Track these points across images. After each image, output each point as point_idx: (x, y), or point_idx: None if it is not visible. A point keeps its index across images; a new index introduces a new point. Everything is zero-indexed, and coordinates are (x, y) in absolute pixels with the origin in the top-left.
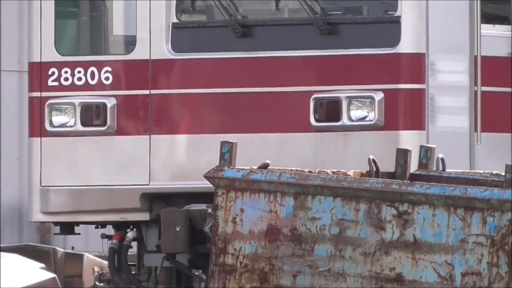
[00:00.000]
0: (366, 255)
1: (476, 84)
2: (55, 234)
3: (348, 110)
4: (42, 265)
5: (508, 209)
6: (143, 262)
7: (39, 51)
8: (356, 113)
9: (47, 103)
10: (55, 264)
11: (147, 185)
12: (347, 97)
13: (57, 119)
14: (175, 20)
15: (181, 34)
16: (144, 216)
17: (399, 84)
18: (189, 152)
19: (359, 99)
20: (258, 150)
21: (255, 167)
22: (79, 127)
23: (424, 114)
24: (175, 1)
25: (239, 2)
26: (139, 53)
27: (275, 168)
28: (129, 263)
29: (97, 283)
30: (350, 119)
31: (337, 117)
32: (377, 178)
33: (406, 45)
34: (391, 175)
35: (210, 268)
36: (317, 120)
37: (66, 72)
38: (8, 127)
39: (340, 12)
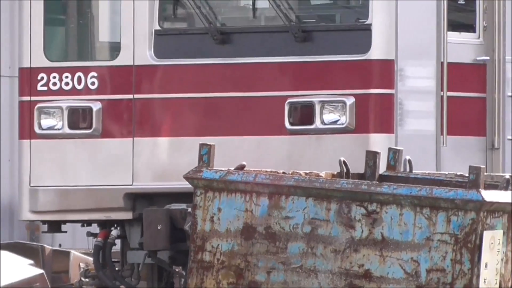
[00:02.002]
0: (336, 253)
1: (442, 89)
2: (43, 232)
3: (321, 114)
4: (31, 261)
5: (471, 208)
6: (126, 258)
7: (29, 57)
8: (329, 117)
9: (36, 106)
10: (43, 260)
11: (131, 185)
12: (320, 101)
13: (46, 122)
14: (157, 27)
15: (163, 41)
16: (128, 215)
17: (370, 89)
18: (170, 154)
19: (331, 104)
20: (235, 151)
21: (232, 168)
22: (67, 130)
23: (393, 118)
24: (157, 9)
25: (218, 10)
26: (123, 59)
27: (251, 169)
28: (113, 259)
29: (82, 278)
30: (322, 122)
31: (311, 121)
32: (347, 179)
33: (376, 51)
34: (361, 176)
35: (188, 264)
36: (291, 124)
37: (54, 77)
38: (0, 130)
39: (314, 20)
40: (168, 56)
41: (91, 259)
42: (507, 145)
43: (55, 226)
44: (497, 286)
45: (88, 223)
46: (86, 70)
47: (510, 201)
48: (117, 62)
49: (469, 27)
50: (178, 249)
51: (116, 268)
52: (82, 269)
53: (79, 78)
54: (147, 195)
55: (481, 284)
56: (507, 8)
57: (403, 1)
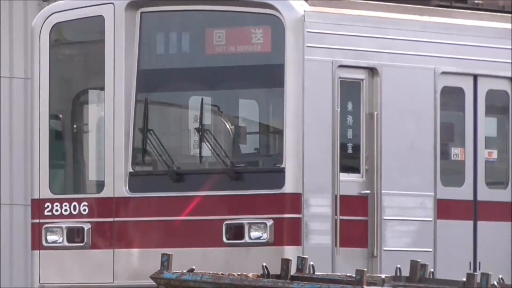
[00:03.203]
0: None
1: (336, 214)
2: None
3: (249, 232)
4: None
5: None
6: None
7: (38, 191)
8: (254, 234)
9: (43, 227)
10: None
11: (112, 283)
12: (248, 223)
13: (50, 237)
14: (131, 170)
15: (135, 180)
16: None
17: (284, 214)
18: (140, 260)
19: (256, 224)
20: (187, 258)
21: (185, 271)
22: (65, 243)
23: (301, 235)
24: (130, 157)
25: (175, 157)
26: (106, 193)
27: (199, 271)
28: None
29: None
30: (250, 238)
31: (242, 237)
32: (268, 279)
33: (288, 187)
34: (277, 277)
35: None
36: (227, 239)
37: (56, 205)
38: (17, 244)
39: (243, 164)
40: (139, 190)
41: None
42: (383, 254)
43: None
44: None
45: None
46: (79, 201)
47: None
48: (102, 195)
49: (355, 169)
50: None
51: None
52: None
53: (75, 206)
54: None
55: None
56: (382, 155)
57: (308, 149)
